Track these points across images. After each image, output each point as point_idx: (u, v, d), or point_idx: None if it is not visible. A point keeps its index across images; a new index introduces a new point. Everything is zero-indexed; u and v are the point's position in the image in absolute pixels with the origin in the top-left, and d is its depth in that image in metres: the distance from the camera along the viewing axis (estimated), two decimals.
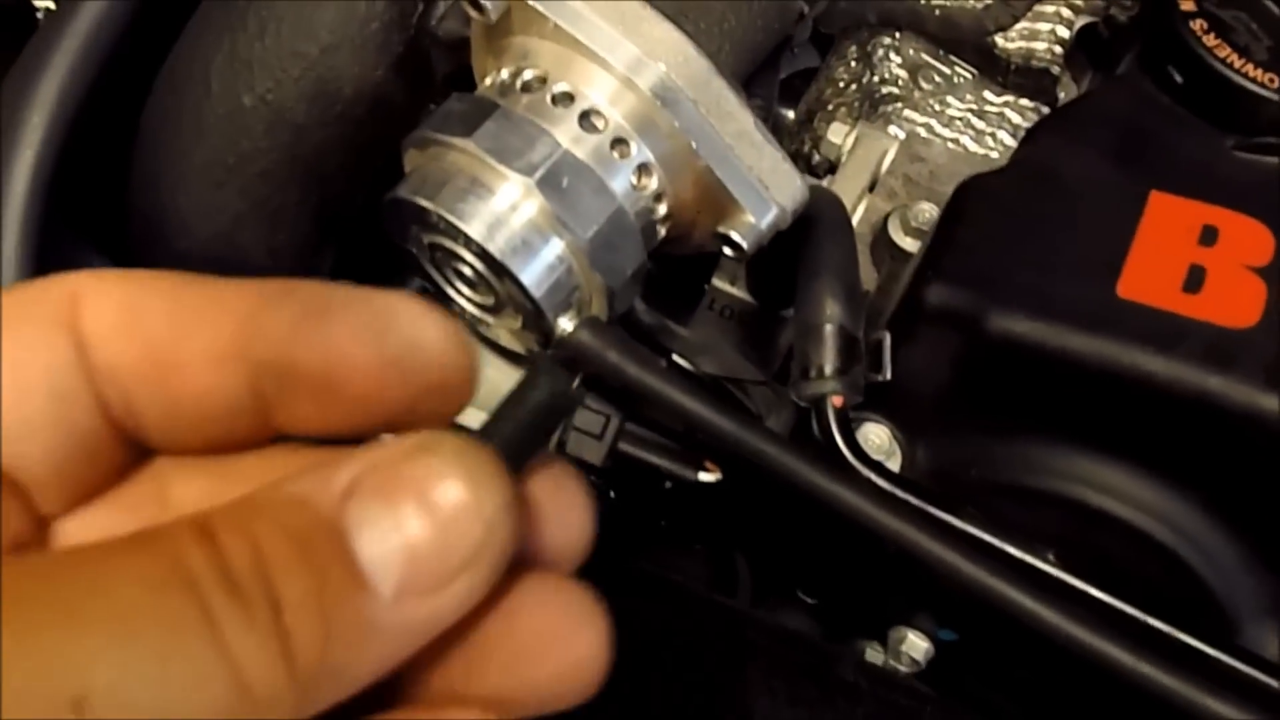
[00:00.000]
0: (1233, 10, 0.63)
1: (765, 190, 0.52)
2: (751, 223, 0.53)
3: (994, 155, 0.89)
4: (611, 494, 0.73)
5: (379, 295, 0.28)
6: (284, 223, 0.59)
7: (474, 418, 0.46)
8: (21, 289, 0.26)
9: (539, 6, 0.51)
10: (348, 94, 0.57)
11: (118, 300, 0.26)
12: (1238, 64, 0.61)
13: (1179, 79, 0.63)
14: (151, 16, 0.60)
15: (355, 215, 0.61)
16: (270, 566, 0.23)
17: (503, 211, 0.50)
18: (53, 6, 0.76)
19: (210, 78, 0.57)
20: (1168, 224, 0.58)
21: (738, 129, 0.52)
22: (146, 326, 0.26)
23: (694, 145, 0.51)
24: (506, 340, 0.57)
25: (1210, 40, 0.61)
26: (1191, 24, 0.62)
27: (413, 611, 0.24)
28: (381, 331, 0.27)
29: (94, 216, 0.61)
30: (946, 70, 0.93)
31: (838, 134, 0.79)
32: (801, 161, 0.89)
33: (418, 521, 0.24)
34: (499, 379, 0.59)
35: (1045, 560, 0.53)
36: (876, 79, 0.93)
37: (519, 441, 0.30)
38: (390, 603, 0.24)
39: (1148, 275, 0.56)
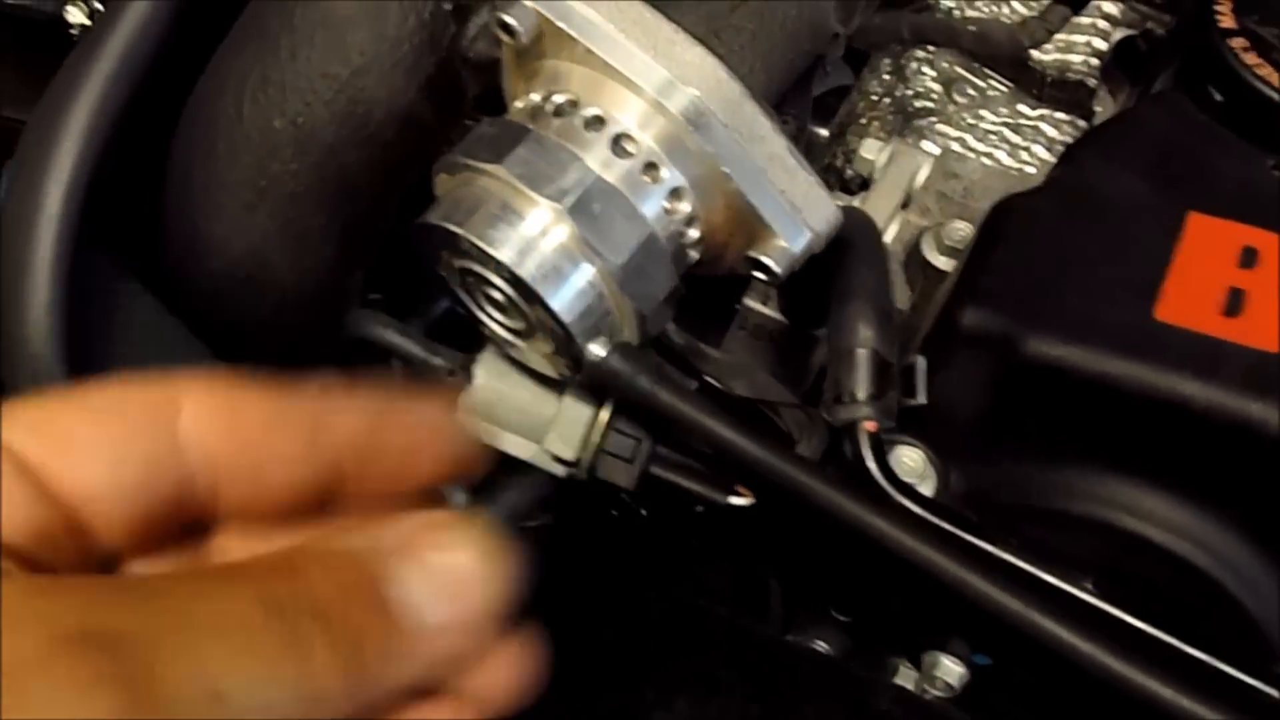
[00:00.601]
0: (1274, 28, 0.62)
1: (798, 214, 0.52)
2: (784, 247, 0.52)
3: (1029, 169, 0.88)
4: (643, 512, 0.72)
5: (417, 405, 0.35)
6: (313, 244, 0.59)
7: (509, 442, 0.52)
8: (135, 387, 0.32)
9: (570, 30, 0.50)
10: (378, 116, 0.57)
11: (217, 403, 0.32)
12: (1278, 82, 0.60)
13: (1219, 97, 0.62)
14: (187, 37, 0.60)
15: (385, 237, 0.61)
16: (339, 602, 0.29)
17: (533, 237, 0.50)
18: (87, 22, 0.77)
19: (242, 100, 0.57)
20: (1206, 245, 0.57)
21: (770, 153, 0.51)
22: (242, 427, 0.32)
23: (726, 170, 0.51)
24: (538, 364, 0.57)
25: (1251, 59, 0.61)
26: (1231, 41, 0.61)
27: (428, 650, 0.31)
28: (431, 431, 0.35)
29: (127, 237, 0.61)
30: (981, 84, 0.92)
31: (871, 150, 0.79)
32: (834, 176, 0.89)
33: (438, 585, 0.31)
34: (529, 402, 0.59)
35: (1083, 589, 0.52)
36: (910, 93, 0.92)
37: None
38: (414, 642, 0.31)
39: (1186, 298, 0.56)
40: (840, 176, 0.88)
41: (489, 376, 0.59)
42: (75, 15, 0.77)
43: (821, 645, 0.76)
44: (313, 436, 0.33)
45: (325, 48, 0.56)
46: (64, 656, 0.25)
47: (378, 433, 0.34)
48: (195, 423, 0.32)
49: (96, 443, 0.31)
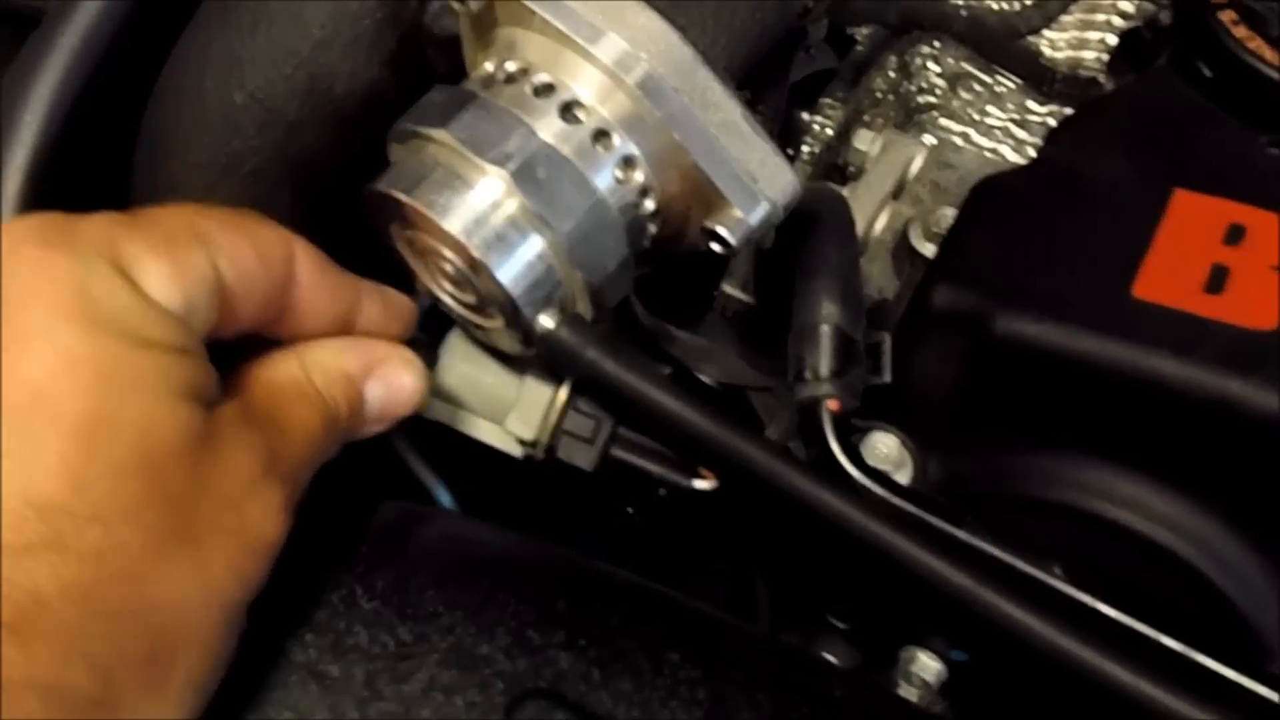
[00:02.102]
0: (1267, 0, 0.60)
1: (754, 184, 0.51)
2: (739, 217, 0.51)
3: None
4: (630, 510, 0.71)
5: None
6: (277, 221, 0.58)
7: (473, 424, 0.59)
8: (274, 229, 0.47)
9: None
10: (339, 92, 0.56)
11: (312, 258, 0.48)
12: (1269, 57, 0.58)
13: (1208, 73, 0.60)
14: (153, 16, 0.60)
15: (348, 213, 0.60)
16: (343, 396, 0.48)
17: (479, 205, 0.49)
18: None
19: (204, 76, 0.56)
20: (1191, 223, 0.55)
21: (724, 120, 0.50)
22: (318, 282, 0.48)
23: (678, 137, 0.50)
24: (496, 340, 0.55)
25: (1240, 32, 0.59)
26: (1220, 15, 0.59)
27: (368, 430, 0.50)
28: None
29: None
30: (988, 79, 0.90)
31: (864, 140, 0.77)
32: (836, 174, 0.87)
33: (392, 395, 0.50)
34: (493, 384, 0.58)
35: (1051, 574, 0.50)
36: (914, 88, 0.90)
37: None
38: (370, 421, 0.50)
39: (1167, 275, 0.54)
40: (843, 174, 0.86)
41: (454, 358, 0.58)
42: None
43: (828, 658, 0.74)
44: (347, 310, 0.49)
45: (285, 22, 0.55)
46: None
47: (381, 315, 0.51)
48: (299, 267, 0.47)
49: (255, 270, 0.45)
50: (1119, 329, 0.52)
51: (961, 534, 0.51)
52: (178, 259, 0.42)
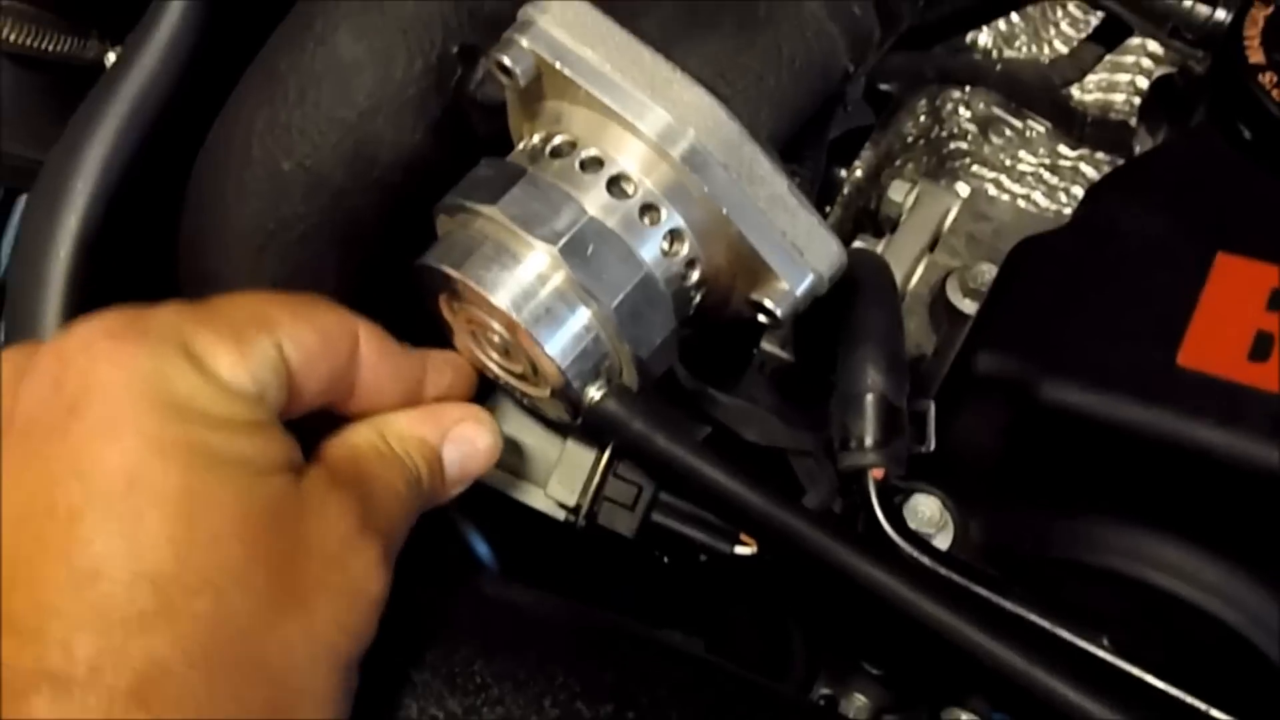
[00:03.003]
0: None
1: (800, 256, 0.51)
2: (786, 289, 0.51)
3: (1066, 211, 0.86)
4: (665, 559, 0.71)
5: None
6: (323, 286, 0.58)
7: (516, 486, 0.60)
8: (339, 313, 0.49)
9: (566, 72, 0.50)
10: (385, 158, 0.57)
11: (375, 340, 0.50)
12: None
13: (1248, 134, 0.60)
14: (200, 83, 0.61)
15: (393, 278, 0.61)
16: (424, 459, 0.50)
17: (528, 280, 0.49)
18: None
19: (251, 143, 0.57)
20: (1234, 287, 0.55)
21: (770, 194, 0.50)
22: (380, 363, 0.50)
23: (725, 211, 0.50)
24: (542, 407, 0.56)
25: None
26: (1260, 77, 0.59)
27: (453, 492, 0.52)
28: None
29: (140, 282, 0.61)
30: (1018, 124, 0.91)
31: (898, 191, 0.77)
32: (867, 219, 0.88)
33: (469, 454, 0.52)
34: (535, 446, 0.59)
35: (1100, 646, 0.50)
36: (945, 133, 0.91)
37: None
38: (452, 483, 0.52)
39: (1211, 342, 0.54)
40: (874, 219, 0.87)
41: (497, 421, 0.59)
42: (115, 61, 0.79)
43: (860, 700, 0.74)
44: (413, 383, 0.51)
45: (333, 91, 0.56)
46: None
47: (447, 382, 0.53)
48: (362, 346, 0.49)
49: (318, 351, 0.47)
50: (1165, 398, 0.52)
51: (1009, 604, 0.51)
52: (244, 344, 0.44)
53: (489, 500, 0.60)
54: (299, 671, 0.41)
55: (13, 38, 0.75)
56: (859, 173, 0.91)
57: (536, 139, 0.53)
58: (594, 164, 0.51)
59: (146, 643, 0.37)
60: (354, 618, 0.44)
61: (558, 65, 0.50)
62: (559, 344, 0.50)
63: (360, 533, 0.45)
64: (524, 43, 0.51)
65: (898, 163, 0.90)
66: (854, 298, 0.56)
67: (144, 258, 0.61)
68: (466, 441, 0.52)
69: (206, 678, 0.38)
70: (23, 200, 0.71)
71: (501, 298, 0.49)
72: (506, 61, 0.50)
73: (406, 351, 0.52)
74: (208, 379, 0.42)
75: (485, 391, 0.59)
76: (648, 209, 0.51)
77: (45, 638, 0.37)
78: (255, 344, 0.44)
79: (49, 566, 0.38)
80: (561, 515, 0.57)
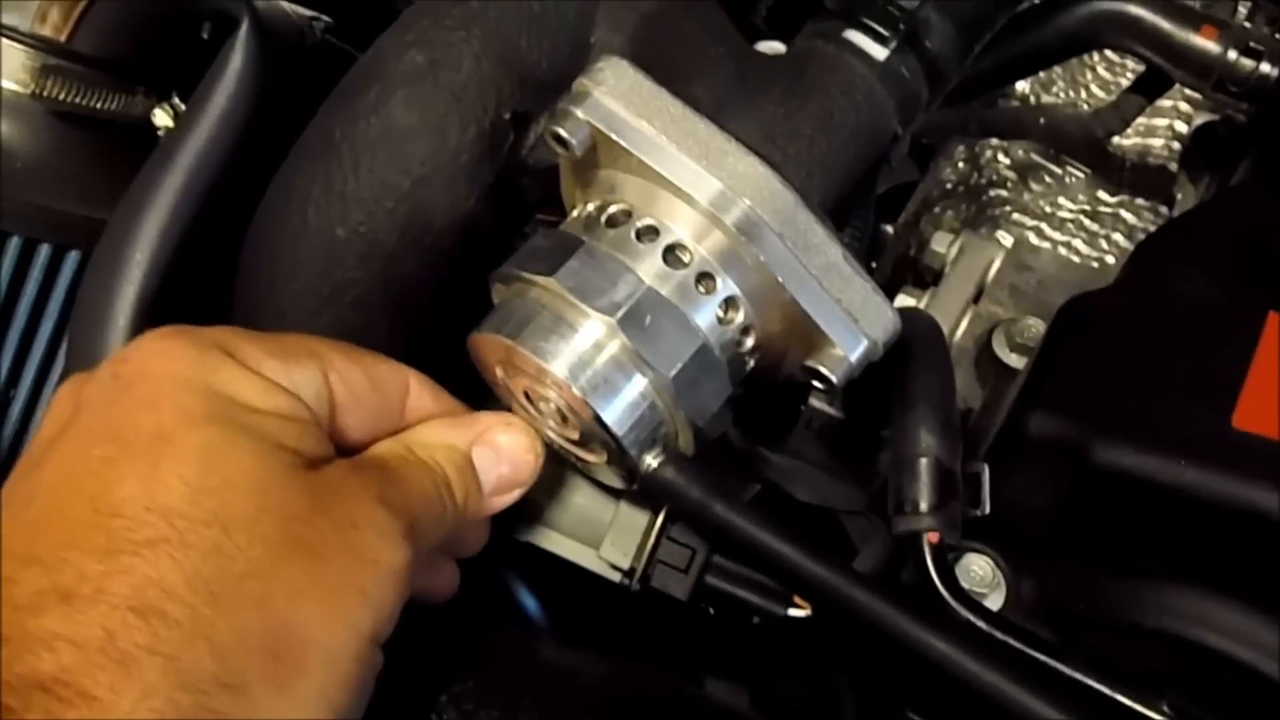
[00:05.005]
0: None
1: (855, 323, 0.51)
2: (841, 356, 0.51)
3: (1109, 259, 0.86)
4: (711, 610, 0.71)
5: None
6: (376, 349, 0.59)
7: (567, 546, 0.59)
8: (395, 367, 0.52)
9: (622, 142, 0.50)
10: (439, 224, 0.57)
11: (426, 390, 0.52)
12: None
13: None
14: (257, 145, 0.62)
15: (445, 342, 0.61)
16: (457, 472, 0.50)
17: (585, 350, 0.50)
18: (171, 124, 0.79)
19: (306, 209, 0.58)
20: None
21: (825, 262, 0.51)
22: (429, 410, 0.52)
23: (780, 279, 0.50)
24: (597, 472, 0.56)
25: None
26: None
27: (494, 503, 0.52)
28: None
29: None
30: (1058, 170, 0.91)
31: (941, 243, 0.78)
32: (908, 267, 0.88)
33: (505, 460, 0.52)
34: (587, 506, 0.59)
35: (1160, 711, 0.50)
36: (984, 180, 0.91)
37: None
38: (491, 491, 0.52)
39: (1265, 404, 0.54)
40: (914, 267, 0.87)
41: (549, 481, 0.59)
42: (161, 118, 0.80)
43: None
44: (464, 435, 0.52)
45: (387, 158, 0.56)
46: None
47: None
48: (413, 396, 0.51)
49: (365, 392, 0.49)
50: (1220, 461, 0.52)
51: (1066, 669, 0.51)
52: (290, 361, 0.48)
53: (542, 560, 0.60)
54: (307, 620, 0.42)
55: (61, 95, 0.76)
56: (890, 230, 0.91)
57: (591, 207, 0.53)
58: (650, 233, 0.51)
59: (151, 565, 0.40)
60: (369, 584, 0.44)
61: (613, 136, 0.51)
62: (616, 412, 0.50)
63: (379, 503, 0.45)
64: (579, 114, 0.51)
65: (937, 209, 0.91)
66: (907, 359, 0.56)
67: (200, 322, 0.62)
68: (500, 447, 0.52)
69: (208, 603, 0.40)
70: (71, 256, 0.72)
71: (559, 367, 0.50)
72: (563, 133, 0.51)
73: (457, 404, 0.53)
74: (248, 374, 0.46)
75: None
76: (703, 277, 0.51)
77: (62, 565, 0.40)
78: (301, 364, 0.48)
79: (76, 508, 0.41)
80: (616, 577, 0.58)
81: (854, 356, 0.51)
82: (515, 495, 0.53)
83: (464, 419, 0.52)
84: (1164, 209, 0.88)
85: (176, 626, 0.39)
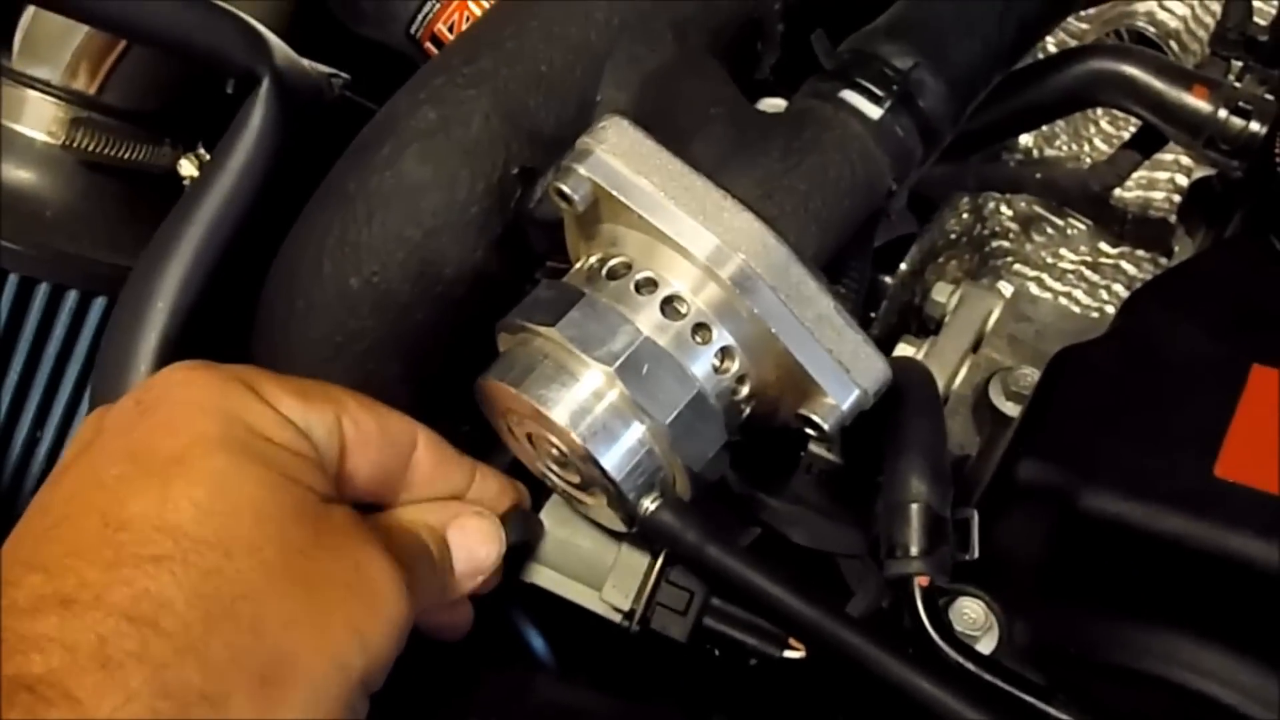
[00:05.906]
0: None
1: (846, 373, 0.53)
2: (832, 404, 0.53)
3: (1109, 309, 0.88)
4: (716, 652, 0.73)
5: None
6: (386, 397, 0.61)
7: (570, 588, 0.61)
8: (405, 421, 0.55)
9: (622, 198, 0.53)
10: (449, 274, 0.59)
11: (432, 445, 0.55)
12: None
13: None
14: (272, 202, 0.64)
15: (455, 389, 0.63)
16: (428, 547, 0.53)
17: (585, 398, 0.52)
18: (196, 174, 0.82)
19: (321, 259, 0.60)
20: (1270, 399, 0.57)
21: (817, 314, 0.53)
22: (433, 467, 0.55)
23: (774, 330, 0.52)
24: (599, 516, 0.58)
25: None
26: None
27: (464, 584, 0.55)
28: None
29: None
30: (1060, 222, 0.93)
31: (942, 293, 0.79)
32: (912, 315, 0.89)
33: (474, 545, 0.55)
34: (590, 550, 0.61)
35: None
36: (987, 231, 0.93)
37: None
38: (462, 571, 0.55)
39: (1248, 454, 0.55)
40: (919, 315, 0.89)
41: (553, 524, 0.61)
42: (187, 168, 0.83)
43: None
44: (458, 492, 0.55)
45: (400, 211, 0.59)
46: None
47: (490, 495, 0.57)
48: (419, 450, 0.54)
49: (375, 439, 0.52)
50: (1203, 509, 0.53)
51: (1057, 712, 0.52)
52: (306, 400, 0.50)
53: (546, 601, 0.62)
54: (298, 649, 0.43)
55: (90, 146, 0.78)
56: (903, 266, 0.93)
57: (593, 260, 0.55)
58: (649, 285, 0.53)
59: (152, 578, 0.42)
60: (368, 627, 0.46)
61: (614, 193, 0.53)
62: (614, 458, 0.52)
63: (382, 551, 0.48)
64: (582, 171, 0.53)
65: (941, 259, 0.93)
66: (899, 406, 0.58)
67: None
68: (468, 529, 0.55)
69: (202, 619, 0.41)
70: (98, 302, 0.74)
71: (560, 414, 0.52)
72: (566, 189, 0.53)
73: (460, 459, 0.56)
74: (265, 408, 0.48)
75: (544, 496, 0.61)
76: (700, 328, 0.53)
77: (66, 573, 0.41)
78: (316, 404, 0.50)
79: (86, 520, 0.44)
80: (617, 619, 0.59)
81: (845, 405, 0.53)
82: (479, 581, 0.55)
83: (443, 504, 0.55)
84: (1164, 260, 0.89)
85: (168, 638, 0.41)
